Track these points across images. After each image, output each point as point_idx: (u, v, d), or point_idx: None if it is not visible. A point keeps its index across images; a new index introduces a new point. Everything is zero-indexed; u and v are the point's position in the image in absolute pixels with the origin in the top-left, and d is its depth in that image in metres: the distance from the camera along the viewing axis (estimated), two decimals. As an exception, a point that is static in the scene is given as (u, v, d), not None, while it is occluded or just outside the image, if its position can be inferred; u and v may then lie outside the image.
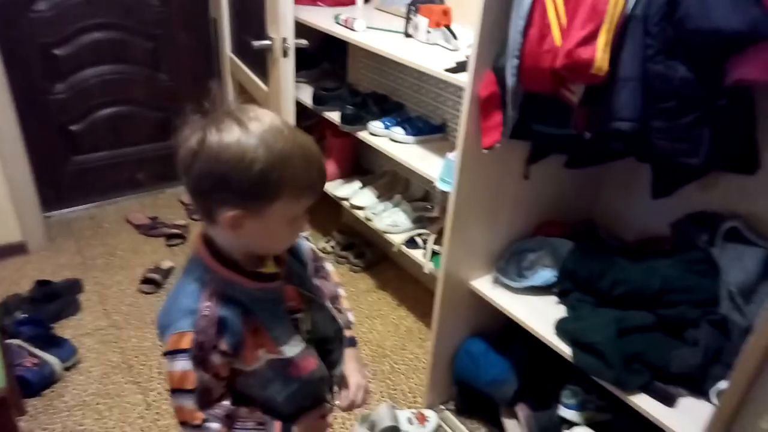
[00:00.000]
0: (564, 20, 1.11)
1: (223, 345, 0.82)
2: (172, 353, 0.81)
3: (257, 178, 0.74)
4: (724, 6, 0.98)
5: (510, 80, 1.22)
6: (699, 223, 1.34)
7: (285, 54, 1.88)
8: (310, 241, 1.06)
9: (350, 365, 1.02)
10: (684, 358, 1.15)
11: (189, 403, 0.83)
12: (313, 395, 0.99)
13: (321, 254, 1.11)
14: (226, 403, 0.88)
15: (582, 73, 1.08)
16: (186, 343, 0.80)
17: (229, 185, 0.75)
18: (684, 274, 1.24)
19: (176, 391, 0.83)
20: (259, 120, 0.77)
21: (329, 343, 0.99)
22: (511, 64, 1.20)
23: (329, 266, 1.11)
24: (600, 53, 1.05)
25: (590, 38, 1.06)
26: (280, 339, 0.88)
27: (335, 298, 1.08)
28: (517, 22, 1.15)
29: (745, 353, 0.94)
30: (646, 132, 1.13)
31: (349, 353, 1.02)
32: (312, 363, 0.92)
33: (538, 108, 1.27)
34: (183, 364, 0.80)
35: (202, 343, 0.80)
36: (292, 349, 0.89)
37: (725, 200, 1.37)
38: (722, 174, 1.35)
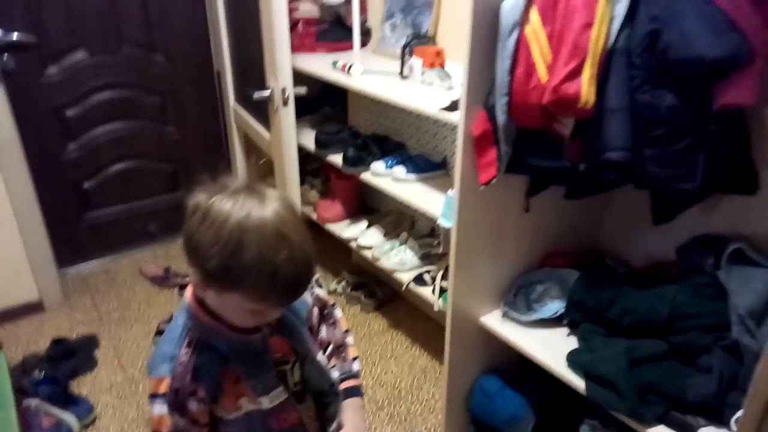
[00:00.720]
0: (549, 57, 1.13)
1: (201, 392, 0.84)
2: (152, 396, 0.85)
3: (213, 269, 0.76)
4: (703, 35, 1.00)
5: (501, 117, 1.24)
6: (704, 246, 1.33)
7: (285, 103, 1.93)
8: (319, 286, 1.07)
9: (347, 416, 1.01)
10: (699, 386, 1.13)
11: None
12: None
13: (329, 300, 1.11)
14: None
15: (569, 107, 1.10)
16: (163, 387, 0.83)
17: (197, 257, 0.77)
18: (692, 299, 1.23)
19: None
20: (251, 213, 0.75)
21: (325, 396, 0.99)
22: (501, 102, 1.22)
23: (338, 312, 1.11)
24: (585, 87, 1.07)
25: (575, 73, 1.08)
26: (259, 389, 0.89)
27: (341, 347, 1.08)
28: (503, 62, 1.18)
29: (756, 379, 0.92)
30: (639, 160, 1.13)
31: (348, 405, 1.01)
32: (293, 417, 0.92)
33: (531, 142, 1.28)
34: (160, 408, 0.83)
35: (178, 389, 0.82)
36: (272, 400, 0.90)
37: (729, 222, 1.36)
38: (724, 196, 1.35)
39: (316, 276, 1.03)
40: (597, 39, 1.08)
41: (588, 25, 1.08)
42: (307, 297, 1.02)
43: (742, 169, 1.26)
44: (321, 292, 1.08)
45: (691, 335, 1.20)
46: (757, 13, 1.05)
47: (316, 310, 1.06)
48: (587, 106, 1.08)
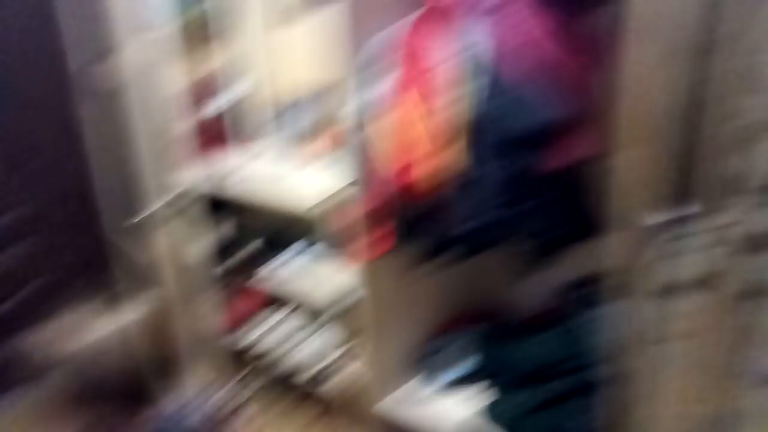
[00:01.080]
0: (431, 131, 1.26)
1: None
2: None
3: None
4: (532, 107, 1.18)
5: (381, 198, 1.35)
6: (580, 288, 1.47)
7: (169, 220, 1.93)
8: (216, 397, 1.05)
9: None
10: (597, 419, 1.21)
11: None
12: None
13: (231, 403, 1.08)
14: None
15: (433, 183, 1.23)
16: None
17: None
18: (577, 339, 1.34)
19: None
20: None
21: None
22: (378, 183, 1.33)
23: (246, 414, 1.08)
24: (429, 170, 1.22)
25: (440, 148, 1.22)
26: None
27: None
28: (358, 156, 1.34)
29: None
30: (507, 220, 1.26)
31: None
32: None
33: (416, 215, 1.38)
34: None
35: None
36: None
37: (601, 262, 1.50)
38: (595, 238, 1.50)
39: (228, 382, 1.02)
40: (458, 116, 1.22)
41: (449, 104, 1.22)
42: (197, 410, 0.99)
43: (601, 214, 1.43)
44: (215, 401, 1.06)
45: (583, 374, 1.29)
46: (583, 76, 1.24)
47: (212, 421, 1.03)
48: (451, 179, 1.21)
